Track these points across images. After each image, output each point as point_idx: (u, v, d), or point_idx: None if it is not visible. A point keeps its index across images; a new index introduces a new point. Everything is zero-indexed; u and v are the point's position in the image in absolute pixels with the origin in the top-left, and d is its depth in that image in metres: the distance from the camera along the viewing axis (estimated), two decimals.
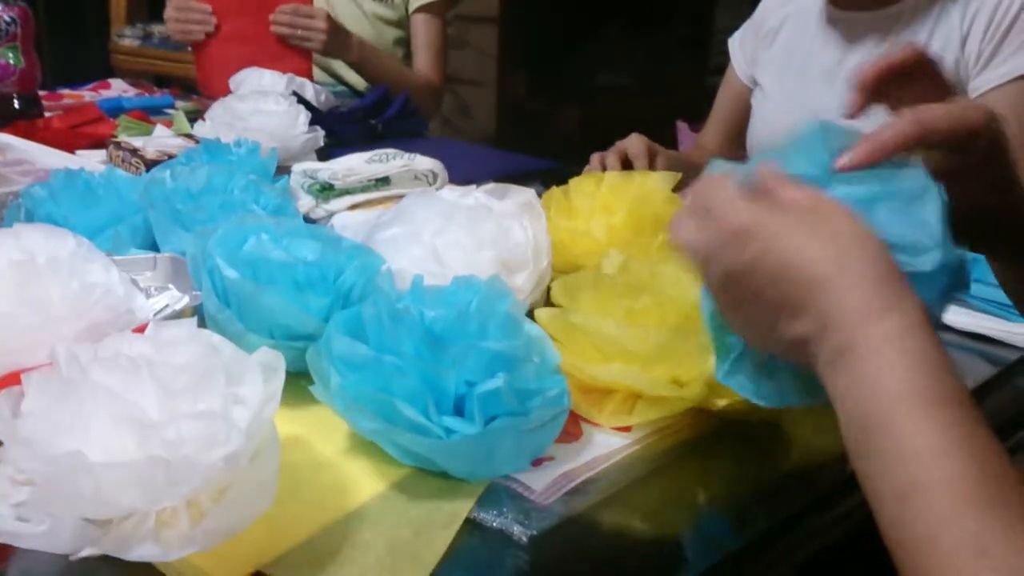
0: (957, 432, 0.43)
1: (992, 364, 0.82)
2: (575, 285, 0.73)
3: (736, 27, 1.49)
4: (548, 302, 0.79)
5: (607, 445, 0.66)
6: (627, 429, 0.67)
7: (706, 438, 0.68)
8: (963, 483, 0.41)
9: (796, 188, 0.51)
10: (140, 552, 0.50)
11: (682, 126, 2.60)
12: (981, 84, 1.15)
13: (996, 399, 0.79)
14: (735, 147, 1.48)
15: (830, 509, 0.63)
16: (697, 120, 2.67)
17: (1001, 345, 0.85)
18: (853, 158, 0.52)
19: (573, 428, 0.67)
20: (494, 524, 0.57)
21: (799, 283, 0.48)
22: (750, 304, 0.51)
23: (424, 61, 2.02)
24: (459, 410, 0.60)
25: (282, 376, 0.55)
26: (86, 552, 0.50)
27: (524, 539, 0.55)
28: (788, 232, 0.48)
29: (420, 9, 2.01)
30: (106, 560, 0.50)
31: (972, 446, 0.42)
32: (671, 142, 2.56)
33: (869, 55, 1.23)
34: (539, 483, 0.60)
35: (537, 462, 0.63)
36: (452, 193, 0.88)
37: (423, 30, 2.02)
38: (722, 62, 1.51)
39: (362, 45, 1.86)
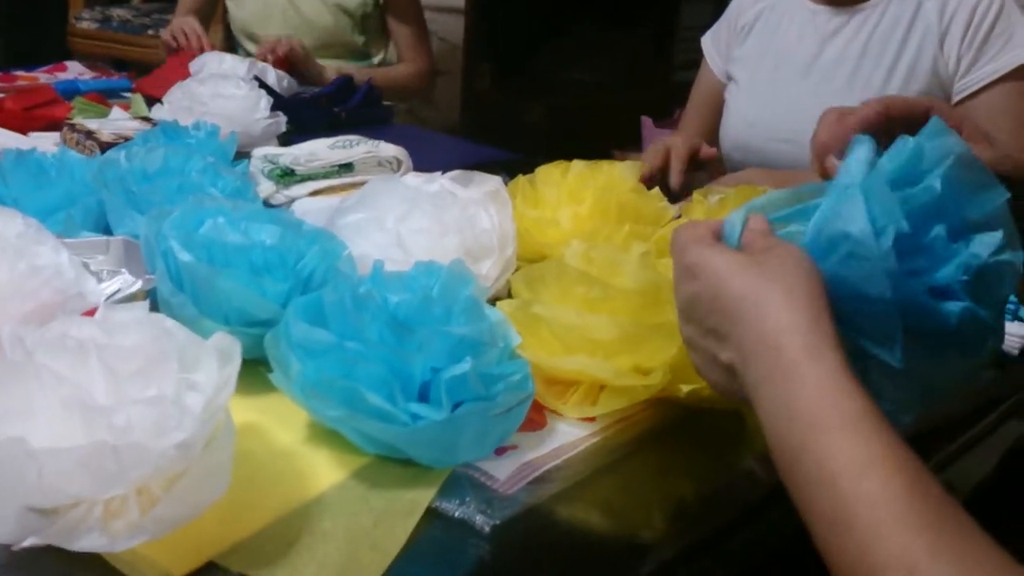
0: (874, 449, 0.43)
1: None
2: (536, 276, 0.72)
3: (702, 24, 1.49)
4: (510, 293, 0.78)
5: (571, 435, 0.65)
6: (591, 419, 0.67)
7: (669, 428, 0.68)
8: (885, 501, 0.41)
9: (762, 236, 0.55)
10: (86, 542, 0.48)
11: (646, 121, 2.60)
12: (966, 86, 1.18)
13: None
14: (711, 142, 1.48)
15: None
16: (661, 116, 2.68)
17: None
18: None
19: (537, 417, 0.66)
20: (456, 514, 0.55)
21: (726, 313, 0.51)
22: (697, 334, 0.55)
23: (404, 50, 2.10)
24: (423, 396, 0.59)
25: (238, 361, 0.54)
26: (29, 542, 0.48)
27: (487, 529, 0.54)
28: (726, 270, 0.52)
29: (390, 6, 2.05)
30: (51, 551, 0.48)
31: (888, 462, 0.42)
32: (636, 136, 2.57)
33: (845, 49, 1.24)
34: (502, 472, 0.59)
35: (501, 451, 0.61)
36: (416, 179, 0.87)
37: (397, 25, 2.09)
38: (688, 58, 1.51)
39: (338, 70, 1.91)
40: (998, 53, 1.15)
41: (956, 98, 1.18)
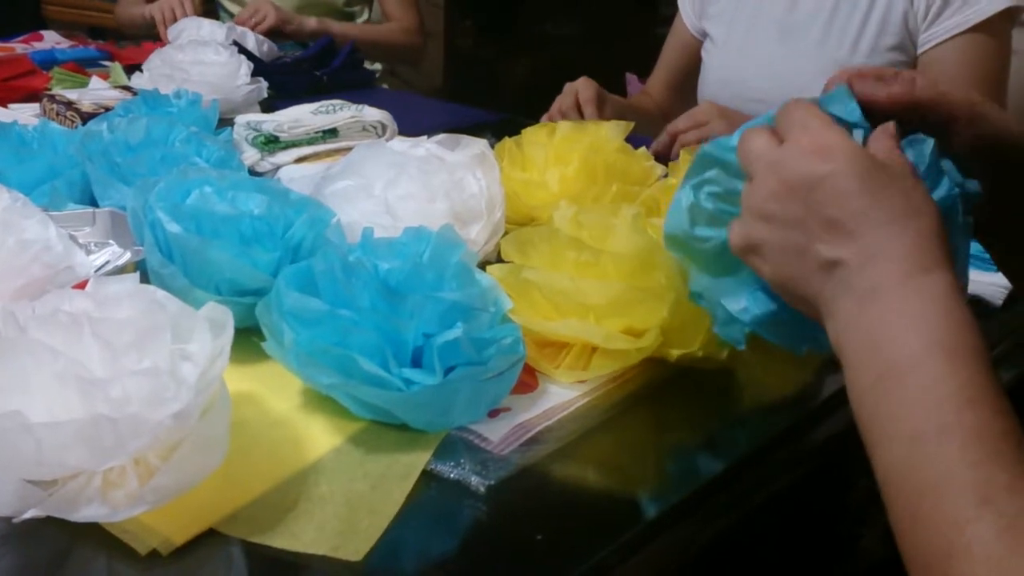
0: (983, 386, 0.43)
1: None
2: (526, 240, 0.72)
3: None
4: (500, 256, 0.78)
5: (562, 396, 0.65)
6: (582, 380, 0.67)
7: (659, 386, 0.68)
8: (984, 433, 0.42)
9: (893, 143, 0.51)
10: (86, 513, 0.48)
11: (631, 78, 2.58)
12: (931, 37, 1.17)
13: None
14: (680, 96, 1.47)
15: (782, 450, 0.64)
16: (646, 72, 2.66)
17: None
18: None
19: (529, 379, 0.66)
20: (451, 475, 0.56)
21: (864, 212, 0.48)
22: (794, 219, 0.50)
23: (391, 8, 2.05)
24: (416, 361, 0.59)
25: (231, 331, 0.54)
26: (29, 514, 0.48)
27: (482, 489, 0.55)
28: (870, 166, 0.49)
29: None
30: (51, 522, 0.49)
31: (993, 402, 0.43)
32: (620, 93, 2.55)
33: (818, 6, 1.23)
34: (496, 434, 0.60)
35: (494, 413, 0.62)
36: (403, 144, 0.86)
37: None
38: (671, 13, 1.50)
39: (320, 20, 1.87)
40: (963, 6, 1.15)
41: (921, 49, 1.18)
